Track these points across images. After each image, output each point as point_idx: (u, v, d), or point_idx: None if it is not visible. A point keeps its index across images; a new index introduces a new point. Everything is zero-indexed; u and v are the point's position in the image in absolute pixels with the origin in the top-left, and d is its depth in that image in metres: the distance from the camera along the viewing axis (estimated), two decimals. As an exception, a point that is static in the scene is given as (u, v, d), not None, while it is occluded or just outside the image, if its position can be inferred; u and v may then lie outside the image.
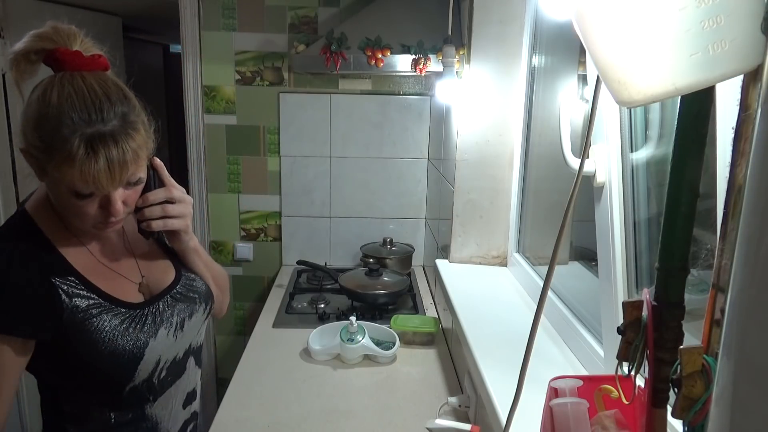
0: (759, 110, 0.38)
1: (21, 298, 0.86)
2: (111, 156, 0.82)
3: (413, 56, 1.89)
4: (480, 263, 1.75)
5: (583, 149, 0.66)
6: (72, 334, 0.89)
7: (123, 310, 0.94)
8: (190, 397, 1.09)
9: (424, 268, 2.52)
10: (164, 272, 1.04)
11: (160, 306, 0.99)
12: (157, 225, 0.98)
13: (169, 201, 0.98)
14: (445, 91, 1.75)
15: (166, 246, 1.08)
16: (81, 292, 0.90)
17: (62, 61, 0.84)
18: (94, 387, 0.95)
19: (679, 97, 0.51)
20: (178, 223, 1.00)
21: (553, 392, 0.71)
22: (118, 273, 0.98)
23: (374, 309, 1.98)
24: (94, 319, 0.90)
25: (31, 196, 0.96)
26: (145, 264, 1.02)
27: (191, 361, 1.07)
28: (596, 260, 1.04)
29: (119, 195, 0.88)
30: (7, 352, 0.85)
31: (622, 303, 0.59)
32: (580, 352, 1.14)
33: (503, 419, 0.87)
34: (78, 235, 0.94)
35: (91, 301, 0.91)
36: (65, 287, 0.89)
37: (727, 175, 0.50)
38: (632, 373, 0.60)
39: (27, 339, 0.87)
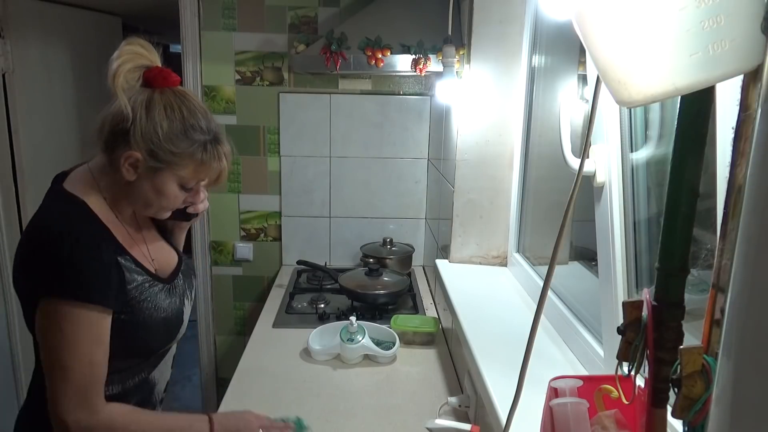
0: (759, 110, 0.38)
1: (105, 274, 0.99)
2: (227, 153, 1.08)
3: (413, 56, 1.89)
4: (480, 263, 1.75)
5: (583, 149, 0.66)
6: (134, 304, 1.04)
7: (161, 284, 1.11)
8: (173, 360, 1.27)
9: (424, 268, 2.52)
10: (168, 254, 1.21)
11: (177, 281, 1.17)
12: (201, 207, 1.22)
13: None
14: (445, 91, 1.75)
15: (162, 233, 1.24)
16: (135, 269, 1.06)
17: (164, 79, 1.01)
18: (128, 353, 1.08)
19: (679, 97, 0.51)
20: (203, 206, 1.23)
21: (553, 392, 0.71)
22: (144, 254, 1.13)
23: (374, 309, 1.98)
24: (148, 292, 1.07)
25: (61, 180, 1.07)
26: (153, 248, 1.17)
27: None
28: (596, 260, 1.04)
29: None
30: (104, 321, 1.00)
31: (622, 303, 0.59)
32: (580, 352, 1.14)
33: (503, 419, 0.87)
34: (120, 221, 1.08)
35: (143, 277, 1.07)
36: (126, 264, 1.04)
37: (727, 175, 0.50)
38: (632, 373, 0.60)
39: (111, 312, 1.01)
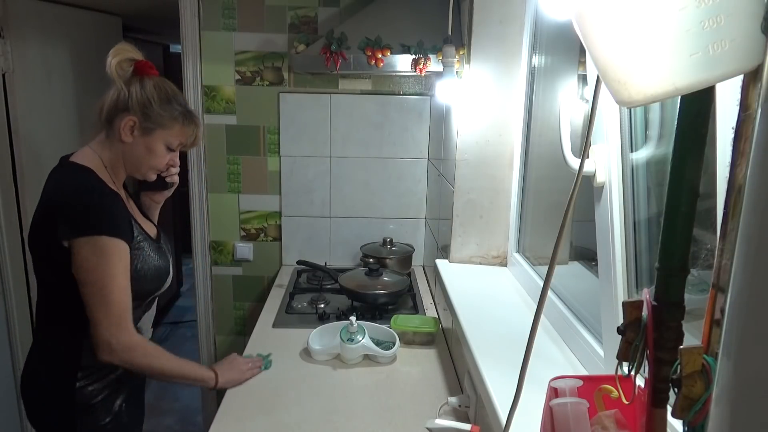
0: (759, 110, 0.38)
1: (126, 218, 1.29)
2: (198, 123, 1.38)
3: (413, 56, 1.89)
4: (480, 263, 1.75)
5: (583, 149, 0.66)
6: (136, 250, 1.30)
7: (150, 241, 1.38)
8: (153, 319, 1.47)
9: (424, 268, 2.52)
10: (149, 225, 1.45)
11: (161, 243, 1.44)
12: (176, 178, 1.49)
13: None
14: (445, 91, 1.75)
15: (140, 209, 1.48)
16: (136, 226, 1.33)
17: (150, 68, 1.32)
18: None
19: (679, 97, 0.51)
20: (177, 178, 1.50)
21: (553, 392, 0.71)
22: (135, 217, 1.38)
23: (374, 309, 1.98)
24: (144, 243, 1.34)
25: (66, 160, 1.33)
26: (137, 217, 1.40)
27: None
28: (596, 260, 1.04)
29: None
30: (128, 255, 1.26)
31: (622, 303, 0.59)
32: (580, 352, 1.14)
33: (503, 419, 0.87)
34: (118, 189, 1.33)
35: (138, 230, 1.34)
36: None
37: (727, 175, 0.50)
38: (632, 373, 0.60)
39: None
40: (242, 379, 1.51)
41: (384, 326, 1.76)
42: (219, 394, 2.57)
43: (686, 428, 0.51)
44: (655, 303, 0.55)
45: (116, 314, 1.22)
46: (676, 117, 0.52)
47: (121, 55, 1.27)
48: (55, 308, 1.31)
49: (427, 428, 1.35)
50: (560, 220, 0.68)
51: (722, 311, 0.44)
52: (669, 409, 0.52)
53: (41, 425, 1.34)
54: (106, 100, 1.30)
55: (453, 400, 1.40)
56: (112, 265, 1.21)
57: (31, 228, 1.28)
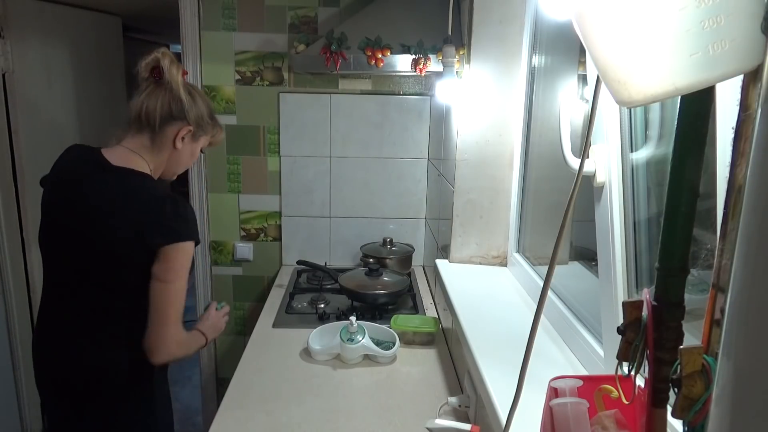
0: (759, 110, 0.38)
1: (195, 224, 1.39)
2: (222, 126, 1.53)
3: (413, 56, 1.89)
4: (480, 263, 1.75)
5: (583, 149, 0.66)
6: None
7: None
8: None
9: (424, 268, 2.52)
10: None
11: None
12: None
13: None
14: (445, 91, 1.75)
15: None
16: None
17: (184, 72, 1.41)
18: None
19: (679, 97, 0.51)
20: None
21: (553, 392, 0.71)
22: None
23: (374, 309, 1.98)
24: None
25: (110, 164, 1.36)
26: None
27: None
28: (596, 260, 1.04)
29: None
30: None
31: (622, 303, 0.59)
32: (580, 352, 1.14)
33: (503, 419, 0.87)
34: None
35: None
36: None
37: (727, 175, 0.50)
38: (632, 373, 0.60)
39: None
40: (222, 329, 1.63)
41: (384, 326, 1.76)
42: (219, 394, 2.57)
43: (686, 428, 0.51)
44: (655, 303, 0.55)
45: (180, 313, 1.34)
46: (676, 117, 0.52)
47: (168, 58, 1.35)
48: (117, 308, 1.36)
49: (427, 428, 1.35)
50: (560, 220, 0.68)
51: (722, 311, 0.44)
52: (669, 409, 0.52)
53: (117, 415, 1.41)
54: (155, 107, 1.35)
55: (453, 400, 1.40)
56: (186, 267, 1.34)
57: (85, 233, 1.31)
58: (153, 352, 1.31)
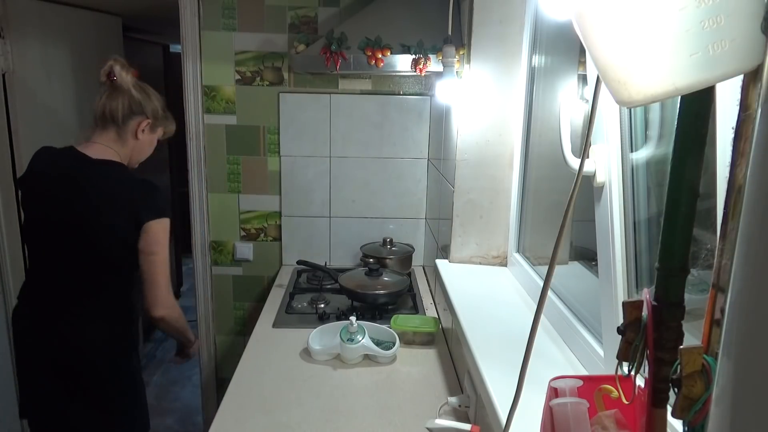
0: (759, 110, 0.38)
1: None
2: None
3: (413, 56, 1.88)
4: (480, 263, 1.75)
5: (583, 149, 0.66)
6: None
7: None
8: None
9: (424, 268, 2.52)
10: None
11: None
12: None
13: None
14: (445, 91, 1.75)
15: None
16: None
17: (136, 73, 1.64)
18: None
19: (679, 97, 0.51)
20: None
21: (553, 392, 0.71)
22: None
23: (374, 309, 1.98)
24: None
25: (90, 158, 1.58)
26: None
27: None
28: (596, 260, 1.04)
29: None
30: None
31: (622, 303, 0.59)
32: (580, 352, 1.14)
33: (503, 419, 0.87)
34: None
35: None
36: None
37: (727, 175, 0.50)
38: (632, 373, 0.60)
39: None
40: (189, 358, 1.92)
41: (384, 326, 1.76)
42: (219, 394, 2.57)
43: (686, 428, 0.51)
44: (655, 303, 0.55)
45: (168, 278, 1.59)
46: (676, 117, 0.52)
47: (120, 64, 1.59)
48: (103, 283, 1.60)
49: (427, 428, 1.35)
50: (560, 220, 0.68)
51: (722, 311, 0.44)
52: (669, 409, 0.52)
53: (107, 387, 1.61)
54: (116, 106, 1.58)
55: (453, 400, 1.40)
56: (167, 240, 1.59)
57: (88, 219, 1.53)
58: (152, 306, 1.56)
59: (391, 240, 2.41)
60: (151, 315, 1.57)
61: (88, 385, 1.58)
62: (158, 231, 1.55)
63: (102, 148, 1.58)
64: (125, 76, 1.59)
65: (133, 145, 1.63)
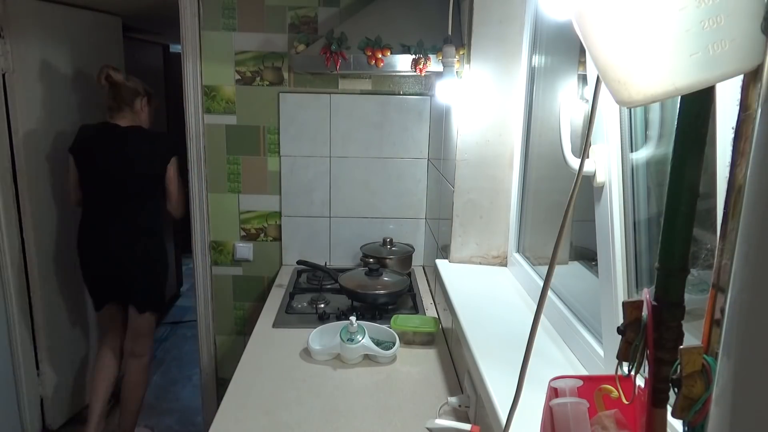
0: (759, 110, 0.38)
1: None
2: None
3: (413, 56, 1.88)
4: (480, 263, 1.75)
5: (583, 149, 0.66)
6: None
7: None
8: None
9: (424, 268, 2.52)
10: None
11: None
12: None
13: None
14: (445, 91, 1.75)
15: None
16: None
17: (119, 73, 2.44)
18: None
19: (679, 97, 0.51)
20: None
21: (553, 392, 0.71)
22: None
23: (374, 309, 1.98)
24: None
25: (122, 128, 2.41)
26: None
27: None
28: (596, 260, 1.04)
29: None
30: None
31: (622, 303, 0.59)
32: (580, 352, 1.14)
33: (503, 419, 0.87)
34: None
35: None
36: None
37: (727, 175, 0.50)
38: (632, 373, 0.60)
39: None
40: None
41: (384, 326, 1.76)
42: (219, 394, 2.57)
43: (686, 428, 0.51)
44: (655, 303, 0.55)
45: (178, 189, 2.44)
46: (676, 117, 0.52)
47: (110, 68, 2.37)
48: (150, 202, 2.44)
49: (427, 428, 1.35)
50: (560, 220, 0.68)
51: (722, 311, 0.44)
52: (669, 409, 0.52)
53: (153, 272, 2.51)
54: (124, 94, 2.36)
55: (453, 400, 1.40)
56: (178, 169, 2.44)
57: (139, 164, 2.36)
58: (175, 210, 2.46)
59: (391, 240, 2.41)
60: (174, 215, 2.49)
61: (136, 258, 2.42)
62: (174, 165, 2.41)
63: (127, 121, 2.37)
64: (117, 75, 2.33)
65: (143, 117, 2.43)
